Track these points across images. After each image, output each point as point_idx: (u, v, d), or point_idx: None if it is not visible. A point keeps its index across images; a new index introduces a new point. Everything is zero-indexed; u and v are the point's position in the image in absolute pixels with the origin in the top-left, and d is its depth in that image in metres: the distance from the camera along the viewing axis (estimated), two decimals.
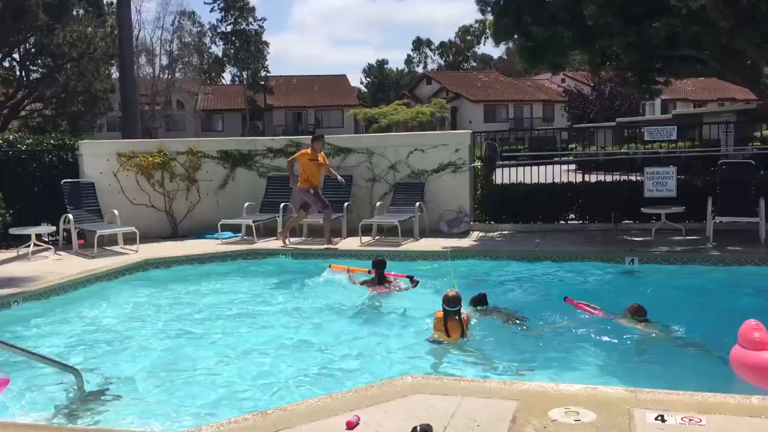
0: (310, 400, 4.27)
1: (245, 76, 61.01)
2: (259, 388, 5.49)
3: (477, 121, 54.63)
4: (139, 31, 46.10)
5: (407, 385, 4.44)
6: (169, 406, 5.13)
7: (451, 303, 6.27)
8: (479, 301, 7.39)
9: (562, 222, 12.60)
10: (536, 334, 6.69)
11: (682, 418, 3.74)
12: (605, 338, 6.40)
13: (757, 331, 4.76)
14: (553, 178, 13.11)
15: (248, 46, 59.87)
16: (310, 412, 4.03)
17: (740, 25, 10.21)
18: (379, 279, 8.76)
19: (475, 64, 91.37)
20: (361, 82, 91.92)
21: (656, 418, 3.75)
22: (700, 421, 3.70)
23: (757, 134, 22.31)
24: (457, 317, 6.26)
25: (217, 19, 61.61)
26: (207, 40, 60.73)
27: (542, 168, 13.43)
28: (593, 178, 13.45)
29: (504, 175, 13.38)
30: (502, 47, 78.16)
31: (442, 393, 4.28)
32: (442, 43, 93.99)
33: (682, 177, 11.87)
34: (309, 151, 11.54)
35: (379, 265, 8.84)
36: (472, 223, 12.63)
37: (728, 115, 26.21)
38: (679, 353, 5.99)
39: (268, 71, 61.97)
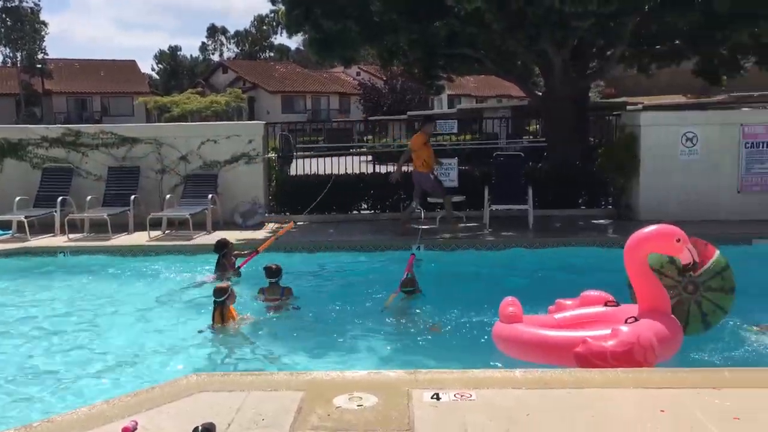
0: (83, 409, 3.99)
1: (19, 57, 55.43)
2: (27, 398, 5.04)
3: (275, 112, 54.38)
4: None
5: (192, 384, 4.30)
6: None
7: (215, 294, 6.58)
8: (273, 273, 7.50)
9: (355, 212, 12.93)
10: (323, 321, 6.84)
11: (455, 395, 3.99)
12: (388, 322, 6.69)
13: (511, 306, 5.25)
14: (346, 169, 13.42)
15: (22, 25, 54.38)
16: (82, 421, 3.77)
17: (511, 28, 11.11)
18: (217, 265, 8.46)
19: (272, 54, 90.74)
20: (153, 69, 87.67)
21: (432, 397, 3.97)
22: (471, 396, 3.97)
23: (529, 128, 24.50)
24: (221, 308, 6.53)
25: None
26: None
27: (340, 159, 13.73)
28: (386, 169, 13.96)
29: (302, 167, 13.47)
30: (299, 38, 78.42)
31: (228, 389, 4.20)
32: (237, 32, 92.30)
33: (465, 168, 12.69)
34: (422, 135, 11.12)
35: (218, 247, 8.55)
36: (267, 214, 12.57)
37: (505, 110, 28.49)
38: (457, 332, 6.40)
39: (46, 53, 56.77)
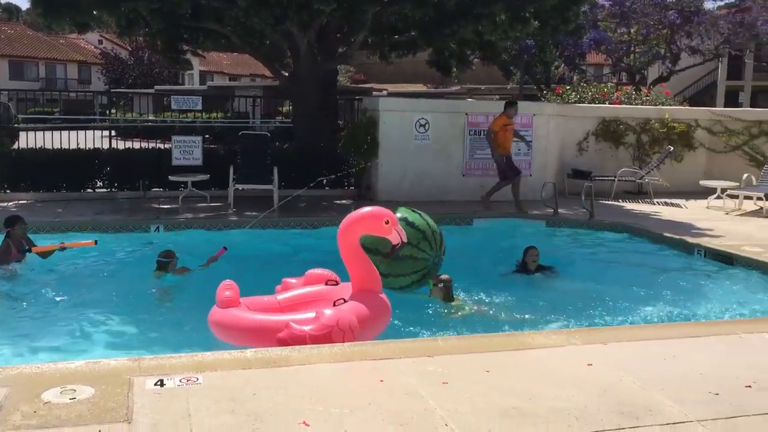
0: None
1: None
2: None
3: (1, 79, 48.55)
4: None
5: None
6: None
7: None
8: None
9: (89, 190, 12.01)
10: (41, 310, 6.29)
11: (180, 380, 3.86)
12: (121, 308, 6.34)
13: (228, 290, 5.15)
14: (78, 144, 12.43)
15: None
16: None
17: (257, 5, 10.95)
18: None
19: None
20: None
21: (156, 384, 3.81)
22: (197, 380, 3.87)
23: (282, 109, 24.60)
24: None
25: None
26: None
27: (80, 133, 12.65)
28: (128, 144, 13.17)
29: (33, 140, 12.20)
30: None
31: None
32: None
33: (215, 146, 12.36)
34: (503, 117, 11.31)
35: (7, 223, 7.53)
36: None
37: (257, 90, 28.33)
38: (193, 314, 6.18)
39: None
